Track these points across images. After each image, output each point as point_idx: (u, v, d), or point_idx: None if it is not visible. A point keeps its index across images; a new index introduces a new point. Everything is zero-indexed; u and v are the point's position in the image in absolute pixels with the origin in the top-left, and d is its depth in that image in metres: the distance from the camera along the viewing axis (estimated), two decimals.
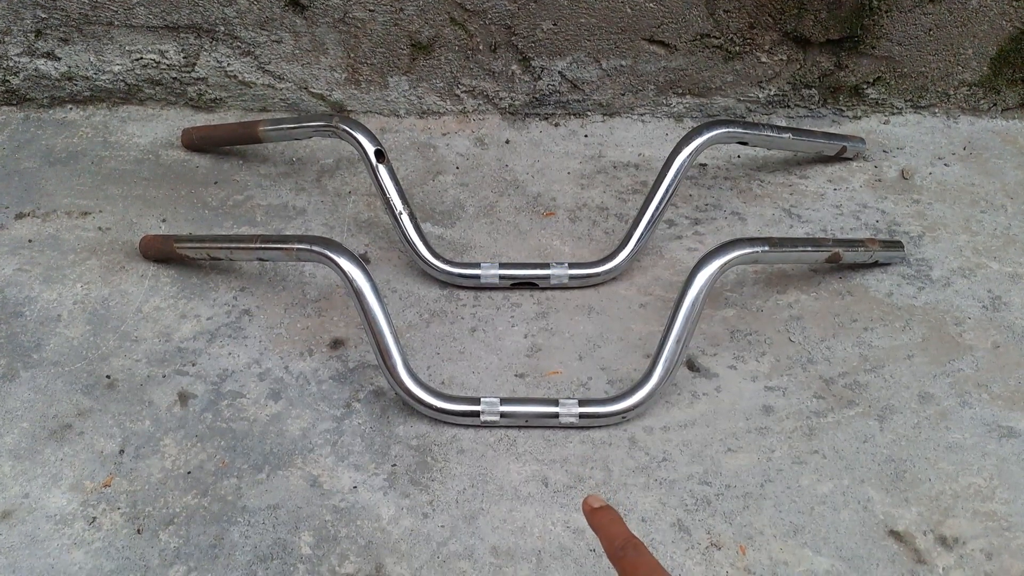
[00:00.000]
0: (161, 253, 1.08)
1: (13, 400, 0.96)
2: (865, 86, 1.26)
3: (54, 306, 1.05)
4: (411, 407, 0.95)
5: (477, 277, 1.06)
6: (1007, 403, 0.96)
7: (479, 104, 1.29)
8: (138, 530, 0.86)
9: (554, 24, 1.20)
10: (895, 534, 0.86)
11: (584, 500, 0.61)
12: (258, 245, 1.00)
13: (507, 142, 1.27)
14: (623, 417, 0.94)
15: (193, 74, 1.26)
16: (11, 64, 1.25)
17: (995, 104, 1.28)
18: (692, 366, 1.00)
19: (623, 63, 1.24)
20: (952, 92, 1.27)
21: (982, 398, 0.96)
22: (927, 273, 1.09)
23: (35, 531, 0.86)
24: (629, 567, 0.53)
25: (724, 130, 1.10)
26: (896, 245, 1.09)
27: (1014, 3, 1.18)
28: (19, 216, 1.15)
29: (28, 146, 1.25)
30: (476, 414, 0.93)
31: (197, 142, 1.23)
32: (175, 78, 1.27)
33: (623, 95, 1.27)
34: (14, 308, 1.05)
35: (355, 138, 1.08)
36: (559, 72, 1.25)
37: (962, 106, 1.29)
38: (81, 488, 0.89)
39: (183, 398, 0.97)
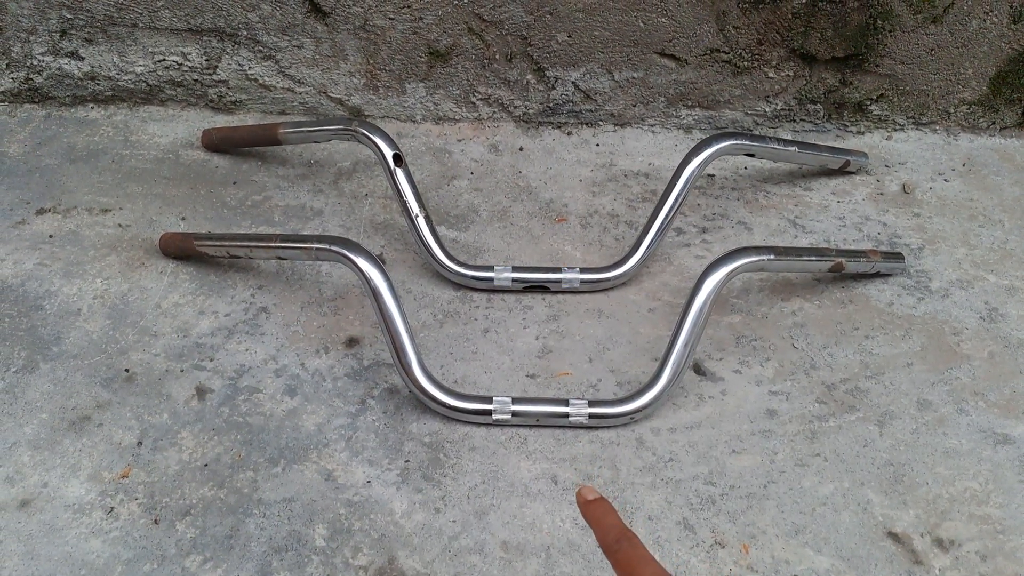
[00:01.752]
0: (181, 250, 1.10)
1: (33, 391, 0.97)
2: (868, 103, 1.29)
3: (74, 300, 1.06)
4: (424, 405, 0.96)
5: (490, 280, 1.08)
6: (1002, 411, 0.98)
7: (494, 112, 1.31)
8: (155, 520, 0.87)
9: (569, 36, 1.22)
10: (893, 535, 0.87)
11: (577, 492, 0.60)
12: (277, 244, 1.01)
13: (521, 149, 1.29)
14: (631, 418, 0.96)
15: (214, 76, 1.28)
16: (35, 63, 1.27)
17: (994, 122, 1.31)
18: (699, 370, 1.02)
19: (635, 75, 1.26)
20: (952, 110, 1.30)
21: (978, 406, 0.99)
22: (926, 284, 1.12)
23: (54, 520, 0.87)
24: (623, 559, 0.53)
25: (732, 142, 1.12)
26: (897, 256, 1.12)
27: (1013, 26, 1.21)
28: (40, 212, 1.17)
29: (50, 143, 1.26)
30: (488, 412, 0.95)
31: (217, 143, 1.25)
32: (196, 80, 1.29)
33: (634, 106, 1.30)
34: (34, 302, 1.06)
35: (374, 142, 1.10)
36: (572, 82, 1.27)
37: (962, 124, 1.31)
38: (99, 478, 0.90)
39: (201, 392, 0.98)
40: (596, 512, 0.57)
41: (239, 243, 1.05)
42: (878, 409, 0.98)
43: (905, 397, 0.99)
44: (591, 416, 0.95)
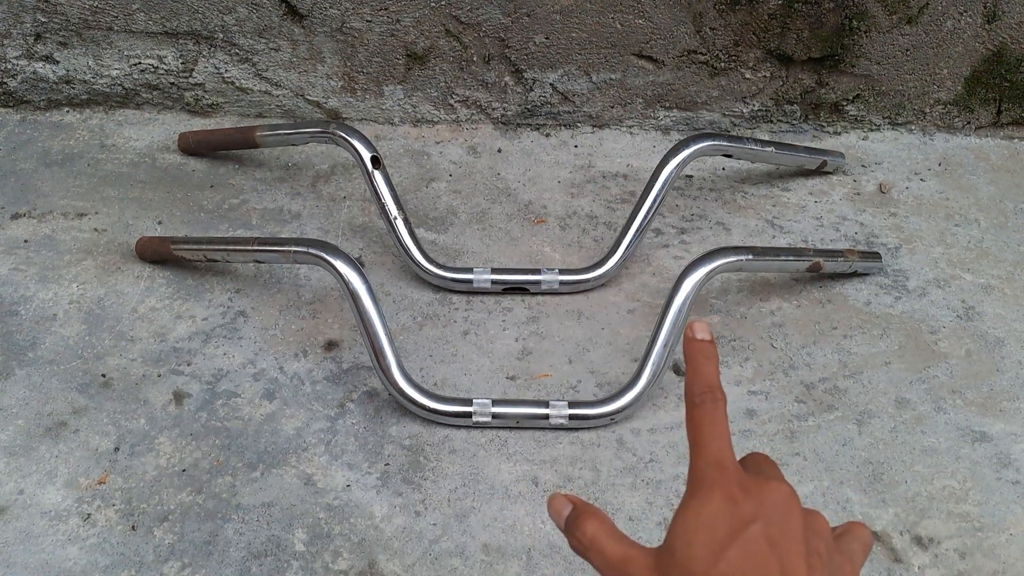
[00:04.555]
0: (157, 254, 1.09)
1: (8, 398, 0.97)
2: (845, 103, 1.30)
3: (50, 305, 1.06)
4: (404, 408, 0.96)
5: (470, 282, 1.08)
6: (980, 409, 0.99)
7: (472, 114, 1.31)
8: (133, 527, 0.87)
9: (546, 38, 1.22)
10: (873, 534, 0.88)
11: (689, 324, 0.52)
12: (255, 247, 1.01)
13: (499, 151, 1.29)
14: (611, 419, 0.96)
15: (191, 79, 1.28)
16: (9, 67, 1.26)
17: (969, 122, 1.32)
18: (678, 370, 1.02)
19: (612, 77, 1.27)
20: (928, 110, 1.31)
21: (956, 404, 1.00)
22: (904, 283, 1.12)
23: (30, 527, 0.86)
24: (696, 420, 0.49)
25: (710, 143, 1.12)
26: (874, 256, 1.12)
27: (987, 26, 1.22)
28: (15, 216, 1.16)
29: (24, 147, 1.25)
30: (468, 415, 0.95)
31: (194, 146, 1.24)
32: (173, 83, 1.28)
33: (612, 107, 1.30)
34: (9, 307, 1.05)
35: (352, 144, 1.10)
36: (551, 84, 1.27)
37: (937, 124, 1.33)
38: (76, 485, 0.90)
39: (178, 397, 0.98)
40: (698, 353, 0.51)
41: (216, 247, 1.05)
42: (857, 408, 0.99)
43: (883, 396, 1.00)
44: (571, 417, 0.95)
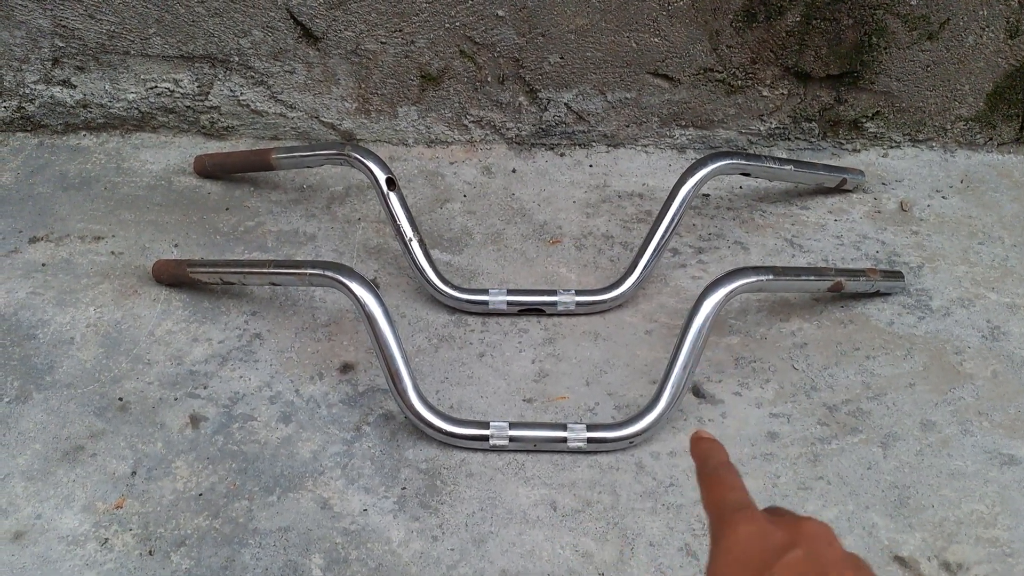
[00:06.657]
0: (174, 277, 1.09)
1: (26, 422, 0.97)
2: (864, 120, 1.29)
3: (67, 329, 1.06)
4: (421, 431, 0.95)
5: (485, 303, 1.08)
6: (1007, 431, 0.97)
7: (486, 134, 1.31)
8: (150, 551, 0.86)
9: (561, 58, 1.22)
10: (900, 559, 0.86)
11: (695, 433, 0.56)
12: (271, 270, 1.01)
13: (514, 171, 1.29)
14: (630, 442, 0.95)
15: (206, 103, 1.28)
16: (27, 91, 1.27)
17: (991, 139, 1.31)
18: (698, 392, 1.01)
19: (628, 96, 1.26)
20: (949, 127, 1.30)
21: (983, 426, 0.98)
22: (927, 303, 1.11)
23: (47, 552, 0.86)
24: (710, 482, 0.50)
25: (727, 162, 1.11)
26: (896, 275, 1.11)
27: (1009, 41, 1.21)
28: (33, 240, 1.16)
29: (42, 171, 1.26)
30: (485, 438, 0.94)
31: (209, 169, 1.25)
32: (188, 106, 1.29)
33: (627, 127, 1.30)
34: (27, 331, 1.06)
35: (367, 166, 1.10)
36: (565, 104, 1.27)
37: (959, 140, 1.31)
38: (93, 509, 0.89)
39: (195, 420, 0.97)
40: (704, 447, 0.53)
41: (232, 269, 1.05)
42: (881, 431, 0.97)
43: (908, 418, 0.98)
44: (589, 440, 0.94)
